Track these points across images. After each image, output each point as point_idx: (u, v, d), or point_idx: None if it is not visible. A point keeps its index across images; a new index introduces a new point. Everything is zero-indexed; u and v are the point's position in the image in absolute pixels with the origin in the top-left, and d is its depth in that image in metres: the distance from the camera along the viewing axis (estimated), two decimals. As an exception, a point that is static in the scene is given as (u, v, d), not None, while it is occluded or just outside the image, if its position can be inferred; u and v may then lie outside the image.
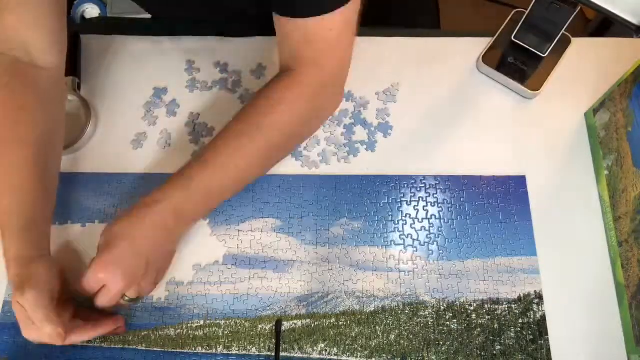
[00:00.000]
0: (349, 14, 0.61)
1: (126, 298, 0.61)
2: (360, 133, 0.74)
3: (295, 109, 0.65)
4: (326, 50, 0.64)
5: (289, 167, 0.72)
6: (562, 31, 0.72)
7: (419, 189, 0.71)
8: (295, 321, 0.65)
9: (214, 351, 0.63)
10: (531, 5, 0.72)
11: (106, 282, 0.58)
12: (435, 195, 0.70)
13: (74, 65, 0.77)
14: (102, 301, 0.59)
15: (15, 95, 0.62)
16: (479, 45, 0.78)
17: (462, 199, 0.70)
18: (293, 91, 0.64)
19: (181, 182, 0.62)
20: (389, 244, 0.68)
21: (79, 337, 0.59)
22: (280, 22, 0.63)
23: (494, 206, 0.69)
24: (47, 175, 0.63)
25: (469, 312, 0.65)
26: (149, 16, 0.98)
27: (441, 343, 0.63)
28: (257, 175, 0.69)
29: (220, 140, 0.64)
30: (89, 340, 0.63)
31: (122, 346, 0.64)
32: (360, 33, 0.78)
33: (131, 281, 0.59)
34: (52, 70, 0.65)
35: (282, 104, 0.64)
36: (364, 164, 0.72)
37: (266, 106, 0.64)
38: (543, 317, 0.64)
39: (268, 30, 0.69)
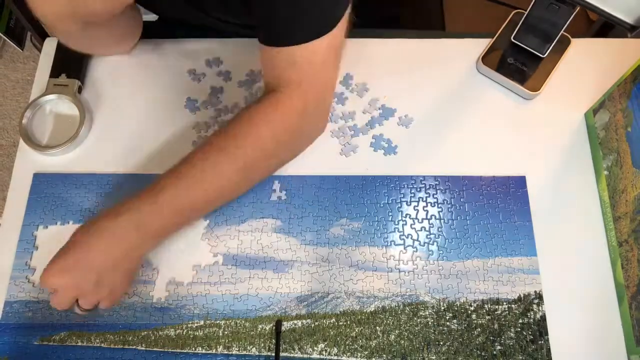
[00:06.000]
0: (334, 39, 0.61)
1: (78, 308, 0.61)
2: (360, 133, 0.74)
3: (276, 131, 0.63)
4: (310, 74, 0.63)
5: (291, 166, 0.72)
6: (562, 32, 0.72)
7: (419, 189, 0.71)
8: (295, 321, 0.65)
9: (214, 351, 0.63)
10: (530, 5, 0.72)
11: (56, 287, 0.58)
12: (435, 196, 0.70)
13: (78, 68, 0.77)
14: (54, 303, 0.59)
15: None
16: (479, 46, 0.79)
17: (462, 199, 0.70)
18: (276, 113, 0.62)
19: (150, 194, 0.59)
20: (389, 244, 0.68)
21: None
22: (264, 47, 0.62)
23: (494, 206, 0.70)
24: None
25: (469, 312, 0.65)
26: (153, 18, 0.98)
27: (441, 343, 0.63)
28: (232, 194, 0.66)
29: (198, 154, 0.62)
30: (89, 340, 0.64)
31: (122, 346, 0.64)
32: (364, 34, 0.79)
33: (78, 293, 0.58)
34: None
35: (264, 125, 0.62)
36: (364, 164, 0.73)
37: (248, 125, 0.62)
38: (543, 317, 0.64)
39: None
